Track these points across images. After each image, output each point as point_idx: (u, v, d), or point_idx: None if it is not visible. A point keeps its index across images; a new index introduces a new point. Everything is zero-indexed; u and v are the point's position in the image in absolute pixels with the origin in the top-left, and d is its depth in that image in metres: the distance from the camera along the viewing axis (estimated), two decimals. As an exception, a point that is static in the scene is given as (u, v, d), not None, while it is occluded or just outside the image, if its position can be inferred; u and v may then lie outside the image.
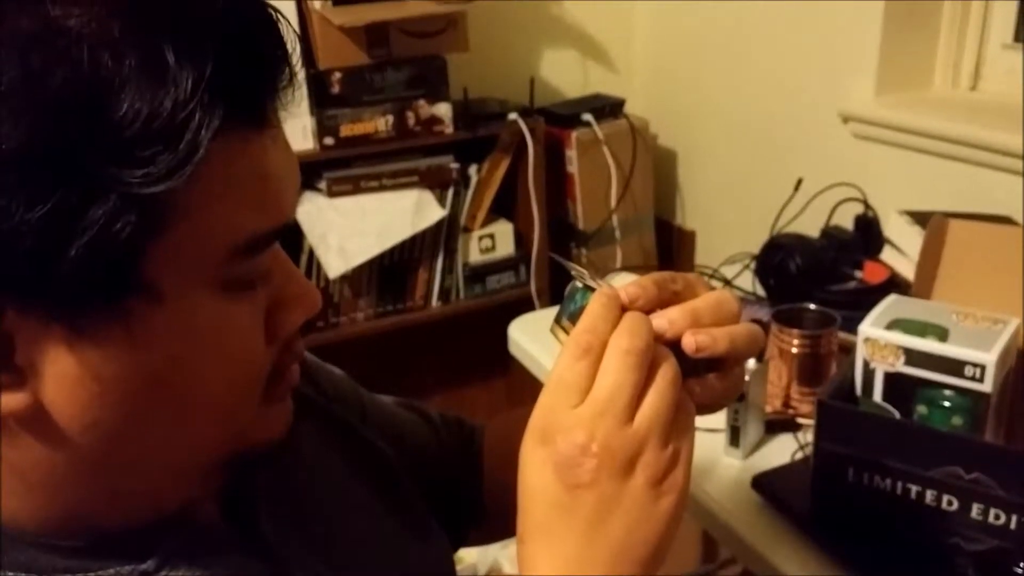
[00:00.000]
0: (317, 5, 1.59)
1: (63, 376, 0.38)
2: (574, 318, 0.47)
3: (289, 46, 0.41)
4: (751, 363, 0.96)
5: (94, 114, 0.35)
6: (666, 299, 0.47)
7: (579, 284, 0.49)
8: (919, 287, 1.00)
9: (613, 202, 1.86)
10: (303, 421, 0.57)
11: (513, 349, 1.31)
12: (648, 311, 0.46)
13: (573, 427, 0.43)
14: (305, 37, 1.59)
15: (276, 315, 0.44)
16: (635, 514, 0.43)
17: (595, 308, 0.45)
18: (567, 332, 0.47)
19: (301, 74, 0.44)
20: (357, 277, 1.72)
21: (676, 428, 0.44)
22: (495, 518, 0.71)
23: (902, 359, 0.81)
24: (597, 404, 0.43)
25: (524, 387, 1.98)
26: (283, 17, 0.41)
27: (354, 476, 0.60)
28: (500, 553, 1.74)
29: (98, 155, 0.35)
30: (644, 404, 0.44)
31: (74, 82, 0.34)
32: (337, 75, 1.62)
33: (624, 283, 0.48)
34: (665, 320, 0.46)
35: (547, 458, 0.43)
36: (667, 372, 0.44)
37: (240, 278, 0.41)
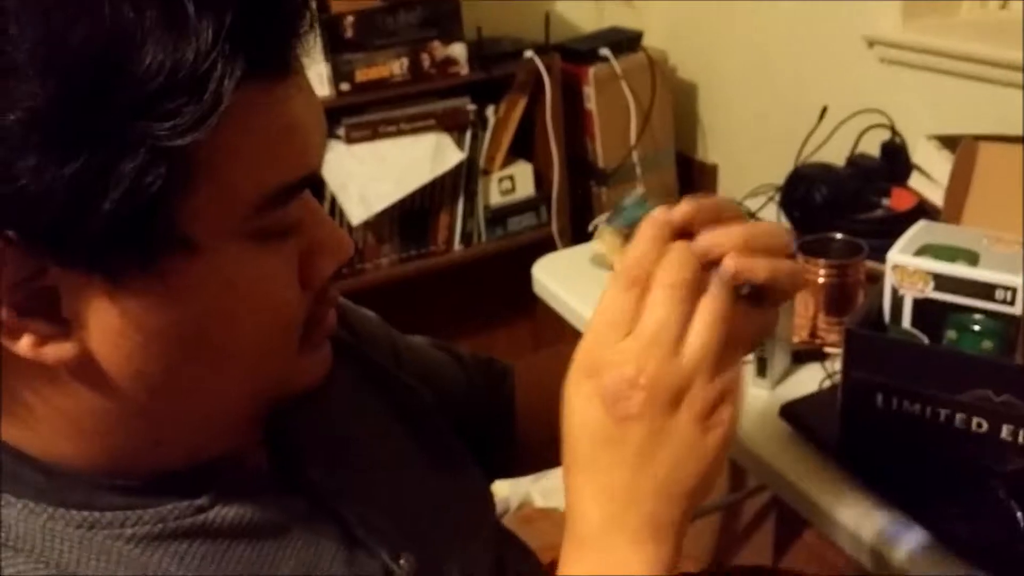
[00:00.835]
0: (326, -53, 1.56)
1: (107, 327, 0.40)
2: (628, 224, 0.46)
3: None
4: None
5: (118, 69, 0.35)
6: (718, 223, 0.46)
7: (639, 191, 0.48)
8: (948, 212, 0.99)
9: (633, 138, 1.83)
10: (339, 365, 0.59)
11: (538, 289, 1.31)
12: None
13: (621, 360, 0.43)
14: (315, -17, 1.57)
15: (309, 263, 0.45)
16: (682, 448, 0.43)
17: (643, 237, 0.44)
18: (616, 238, 0.47)
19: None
20: (379, 223, 1.72)
21: (724, 363, 0.44)
22: (529, 453, 0.73)
23: (931, 285, 0.80)
24: (644, 337, 0.42)
25: (549, 328, 1.99)
26: None
27: (391, 417, 0.61)
28: (532, 487, 1.77)
29: (124, 110, 0.35)
30: (690, 337, 0.43)
31: (96, 38, 0.35)
32: (349, 19, 1.60)
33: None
34: (710, 240, 0.45)
35: (594, 391, 0.43)
36: (714, 305, 0.44)
37: (271, 228, 0.42)
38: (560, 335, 1.96)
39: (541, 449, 0.72)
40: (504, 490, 1.75)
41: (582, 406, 0.44)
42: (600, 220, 1.37)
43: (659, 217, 0.45)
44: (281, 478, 0.51)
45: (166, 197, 0.37)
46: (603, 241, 0.51)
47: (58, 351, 0.39)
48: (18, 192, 0.35)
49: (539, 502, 1.76)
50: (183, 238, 0.38)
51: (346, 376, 0.60)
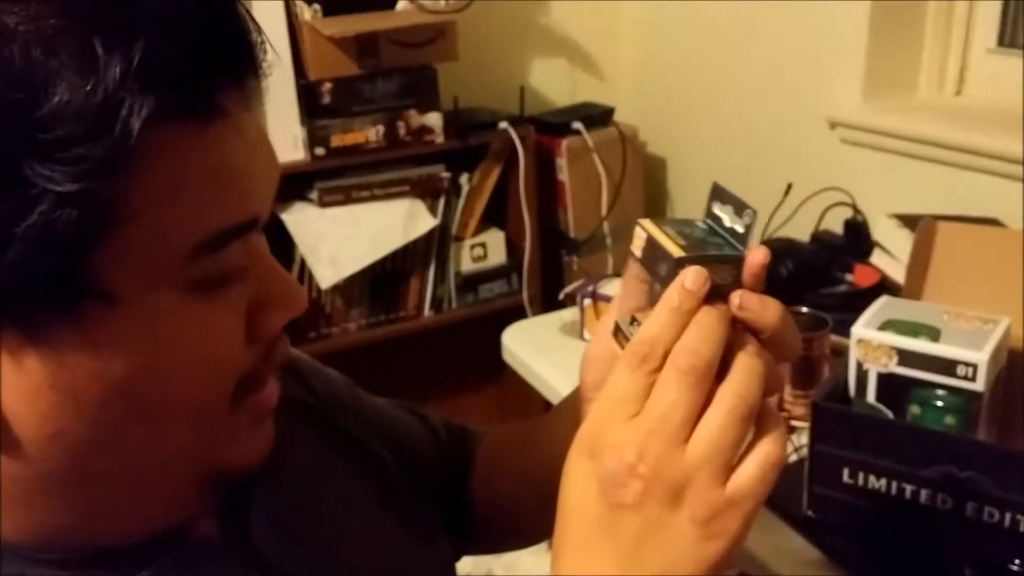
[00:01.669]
0: (307, 15, 1.59)
1: (20, 385, 0.37)
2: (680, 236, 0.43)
3: (252, 36, 0.40)
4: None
5: (25, 112, 0.34)
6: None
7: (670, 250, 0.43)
8: (909, 289, 1.01)
9: (604, 210, 1.86)
10: (300, 426, 0.57)
11: (507, 357, 1.31)
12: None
13: (622, 443, 0.40)
14: (295, 48, 1.59)
15: (257, 315, 0.42)
16: (677, 550, 0.39)
17: (659, 314, 0.41)
18: (592, 313, 0.45)
19: (290, 78, 0.44)
20: (349, 287, 1.72)
21: (748, 468, 0.40)
22: (484, 527, 0.70)
23: (895, 359, 0.82)
24: (649, 421, 0.40)
25: (517, 396, 1.98)
26: (242, 7, 0.40)
27: (355, 481, 0.59)
28: (494, 561, 1.73)
29: (31, 154, 0.34)
30: (700, 429, 0.39)
31: (4, 81, 0.34)
32: (327, 85, 1.62)
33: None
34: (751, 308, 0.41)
35: (592, 473, 0.40)
36: (734, 399, 0.40)
37: (208, 277, 0.39)
38: (527, 403, 1.96)
39: (496, 526, 0.71)
40: (466, 563, 1.71)
41: (580, 486, 0.41)
42: (571, 289, 1.38)
43: (680, 294, 0.41)
44: (233, 550, 0.48)
45: (81, 245, 0.35)
46: (636, 235, 0.48)
47: None
48: None
49: (500, 572, 1.73)
50: (103, 288, 0.36)
51: (308, 439, 0.58)
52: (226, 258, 0.40)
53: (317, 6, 1.61)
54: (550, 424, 0.63)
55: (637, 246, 0.47)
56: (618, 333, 0.46)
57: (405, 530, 0.60)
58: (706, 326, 0.41)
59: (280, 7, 1.56)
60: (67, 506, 0.41)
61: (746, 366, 0.41)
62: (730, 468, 0.40)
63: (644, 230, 0.46)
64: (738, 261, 0.43)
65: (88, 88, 0.34)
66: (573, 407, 0.59)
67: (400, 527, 0.60)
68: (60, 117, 0.34)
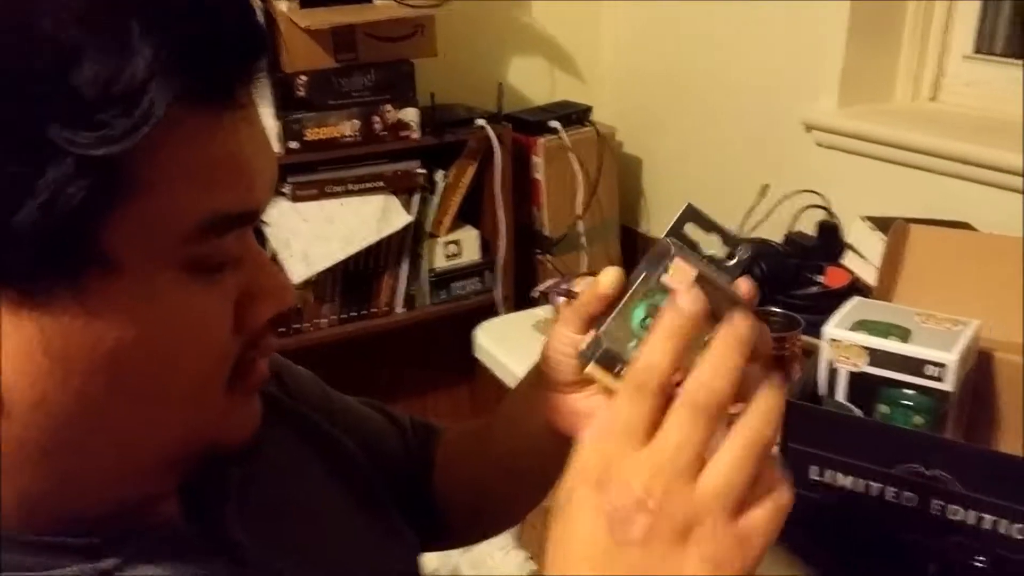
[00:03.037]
0: (283, 7, 1.57)
1: (12, 348, 0.37)
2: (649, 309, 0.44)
3: (262, 30, 0.42)
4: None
5: (54, 79, 0.35)
6: None
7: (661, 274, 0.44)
8: (881, 291, 1.01)
9: (579, 209, 1.86)
10: (273, 421, 0.56)
11: (479, 353, 1.30)
12: None
13: (631, 477, 0.39)
14: (271, 40, 1.57)
15: (246, 306, 0.43)
16: None
17: (658, 340, 0.40)
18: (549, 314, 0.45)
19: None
20: (321, 283, 1.70)
21: (760, 511, 0.39)
22: (448, 522, 0.70)
23: (866, 359, 0.82)
24: (660, 455, 0.39)
25: (488, 393, 1.97)
26: (256, 4, 0.41)
27: (325, 476, 0.59)
28: (461, 558, 1.72)
29: (55, 119, 0.35)
30: (714, 464, 0.39)
31: (36, 48, 0.35)
32: (303, 78, 1.60)
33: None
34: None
35: (600, 506, 0.39)
36: (752, 435, 0.39)
37: (205, 260, 0.40)
38: (499, 400, 1.94)
39: (459, 520, 0.71)
40: (433, 561, 1.70)
41: (586, 517, 0.39)
42: (543, 287, 1.38)
43: (674, 317, 0.41)
44: (197, 533, 0.48)
45: (92, 211, 0.36)
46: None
47: None
48: None
49: (467, 571, 1.72)
50: (108, 256, 0.37)
51: (278, 433, 0.57)
52: (224, 244, 0.41)
53: (294, -2, 1.59)
54: (504, 417, 0.64)
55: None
56: (590, 355, 0.45)
57: (373, 524, 0.60)
58: (723, 360, 0.40)
59: (256, -3, 1.54)
60: (44, 475, 0.41)
61: (767, 402, 0.40)
62: (741, 506, 0.39)
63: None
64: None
65: (121, 63, 0.35)
66: (528, 399, 0.59)
67: (369, 521, 0.60)
68: (90, 87, 0.35)
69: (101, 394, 0.39)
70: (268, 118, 1.59)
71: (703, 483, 0.38)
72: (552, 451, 0.57)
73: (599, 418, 0.41)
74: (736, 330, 0.40)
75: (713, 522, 0.38)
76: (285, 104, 1.60)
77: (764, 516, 0.39)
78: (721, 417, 0.39)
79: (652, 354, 0.40)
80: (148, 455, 0.43)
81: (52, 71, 0.35)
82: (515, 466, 0.64)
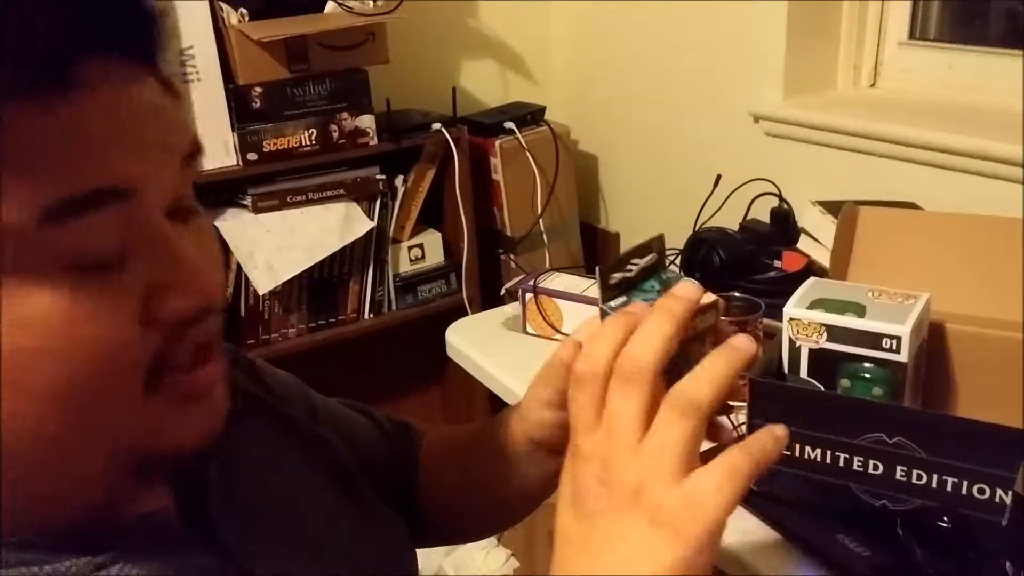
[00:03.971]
0: (234, 20, 1.57)
1: None
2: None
3: (132, 8, 0.40)
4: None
5: None
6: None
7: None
8: (835, 271, 1.05)
9: (539, 208, 1.89)
10: (251, 419, 0.58)
11: (451, 353, 1.32)
12: None
13: (588, 456, 0.43)
14: (223, 52, 1.57)
15: (152, 300, 0.41)
16: (634, 551, 0.41)
17: (591, 342, 0.46)
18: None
19: (219, 83, 0.44)
20: (287, 293, 1.70)
21: (708, 471, 0.41)
22: (428, 526, 0.72)
23: (824, 336, 0.86)
24: (605, 429, 0.43)
25: (459, 396, 1.99)
26: None
27: (311, 471, 0.60)
28: (444, 560, 1.74)
29: None
30: (652, 428, 0.42)
31: None
32: (257, 90, 1.61)
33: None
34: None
35: (571, 492, 0.43)
36: (678, 395, 0.42)
37: (76, 256, 0.38)
38: (471, 402, 1.97)
39: (441, 523, 0.73)
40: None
41: (562, 506, 0.44)
42: (511, 285, 1.40)
43: (622, 316, 0.46)
44: (189, 528, 0.49)
45: None
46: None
47: None
48: None
49: (450, 572, 1.74)
50: None
51: (262, 431, 0.59)
52: (90, 236, 0.38)
53: (243, 10, 1.59)
54: (491, 431, 0.66)
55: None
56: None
57: (362, 517, 0.61)
58: (649, 330, 0.44)
59: (206, 10, 1.54)
60: (19, 477, 0.40)
61: (705, 366, 0.44)
62: (686, 469, 0.41)
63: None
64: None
65: None
66: (512, 420, 0.63)
67: (357, 514, 0.61)
68: None
69: (10, 400, 0.39)
70: (225, 130, 1.59)
71: (644, 446, 0.41)
72: (535, 476, 0.62)
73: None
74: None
75: (655, 483, 0.41)
76: (241, 116, 1.60)
77: (714, 480, 0.41)
78: (653, 383, 0.43)
79: (587, 348, 0.45)
80: (84, 460, 0.42)
81: None
82: (498, 487, 0.66)
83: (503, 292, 1.49)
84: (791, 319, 0.87)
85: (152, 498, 0.48)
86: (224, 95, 1.58)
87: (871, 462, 0.79)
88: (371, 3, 1.69)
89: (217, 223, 1.60)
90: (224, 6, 1.57)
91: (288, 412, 0.63)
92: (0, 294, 0.37)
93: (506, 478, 0.64)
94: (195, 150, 0.44)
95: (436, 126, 1.77)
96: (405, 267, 1.83)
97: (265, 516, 0.54)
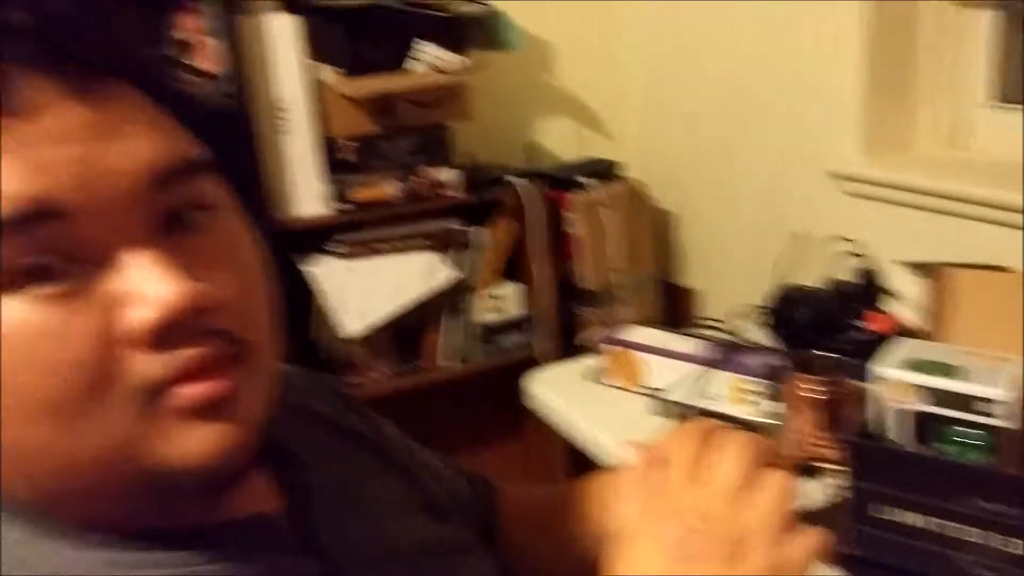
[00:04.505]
0: (329, 77, 1.66)
1: None
2: None
3: (74, 24, 0.41)
4: (769, 405, 1.00)
5: None
6: None
7: None
8: (926, 333, 1.05)
9: (616, 262, 1.91)
10: (359, 455, 0.63)
11: (530, 403, 1.34)
12: None
13: (685, 508, 0.47)
14: (317, 107, 1.65)
15: (111, 315, 0.41)
16: None
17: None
18: None
19: (313, 136, 0.47)
20: (373, 338, 1.75)
21: (792, 541, 0.46)
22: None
23: (918, 398, 0.86)
24: (707, 485, 0.48)
25: (537, 446, 1.99)
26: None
27: (406, 500, 0.63)
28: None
29: None
30: (756, 499, 0.47)
31: None
32: (348, 143, 1.68)
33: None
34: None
35: (659, 534, 0.47)
36: (783, 486, 0.48)
37: (6, 273, 0.39)
38: (548, 453, 1.97)
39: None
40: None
41: (646, 545, 0.47)
42: (592, 335, 1.42)
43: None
44: (295, 539, 0.52)
45: None
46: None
47: None
48: None
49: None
50: None
51: (367, 464, 0.63)
52: (23, 255, 0.39)
53: (337, 68, 1.67)
54: (575, 502, 0.69)
55: None
56: None
57: (457, 549, 0.63)
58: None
59: (302, 67, 1.63)
60: (45, 489, 0.43)
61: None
62: (779, 538, 0.46)
63: None
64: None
65: None
66: (596, 495, 0.67)
67: (452, 546, 0.63)
68: None
69: None
70: (317, 181, 1.66)
71: (746, 514, 0.46)
72: None
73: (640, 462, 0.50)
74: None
75: (755, 546, 0.45)
76: (333, 167, 1.67)
77: (798, 550, 0.46)
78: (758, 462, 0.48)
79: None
80: (77, 478, 0.43)
81: None
82: (586, 551, 0.68)
83: (582, 344, 1.52)
84: (883, 380, 0.87)
85: (255, 502, 0.51)
86: (316, 147, 1.66)
87: (968, 529, 0.79)
88: (454, 62, 1.76)
89: (307, 268, 1.66)
90: (318, 64, 1.65)
91: (389, 452, 0.66)
92: None
93: (594, 543, 0.66)
94: (183, 167, 0.44)
95: (513, 180, 1.82)
96: (485, 317, 1.87)
97: (364, 535, 0.56)
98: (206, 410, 0.43)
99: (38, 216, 0.39)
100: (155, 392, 0.42)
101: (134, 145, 0.42)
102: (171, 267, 0.42)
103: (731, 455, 0.47)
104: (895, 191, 1.49)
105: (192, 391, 0.42)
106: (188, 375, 0.42)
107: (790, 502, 0.46)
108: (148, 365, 0.41)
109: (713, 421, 0.52)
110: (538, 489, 0.80)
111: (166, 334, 0.41)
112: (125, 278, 0.41)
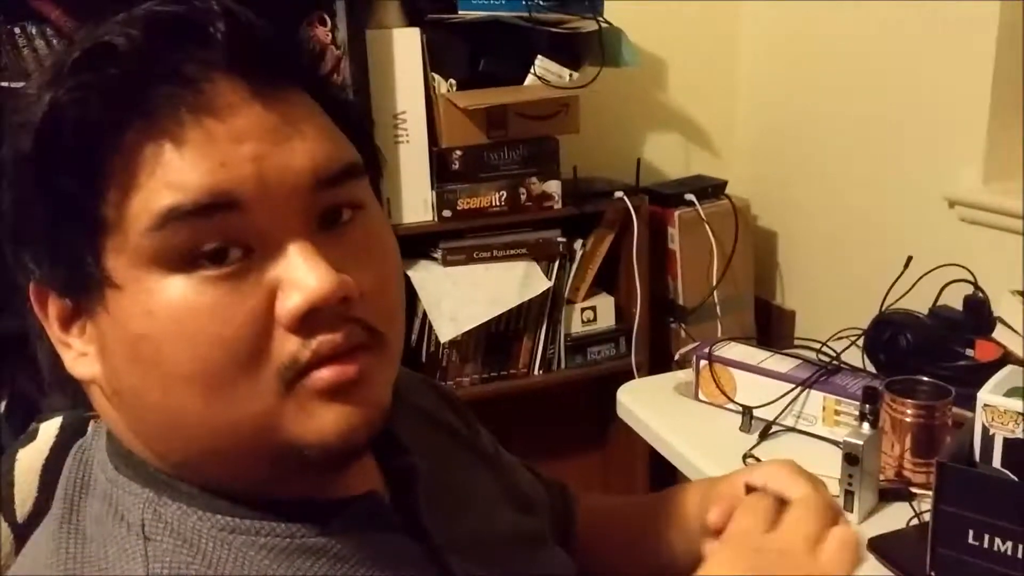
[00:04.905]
0: (443, 89, 1.72)
1: (90, 349, 0.48)
2: None
3: (255, 33, 0.46)
4: (865, 427, 0.99)
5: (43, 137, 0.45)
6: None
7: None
8: (1035, 363, 1.01)
9: (714, 280, 1.90)
10: (453, 445, 0.67)
11: (621, 413, 1.35)
12: None
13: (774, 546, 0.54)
14: (431, 118, 1.72)
15: (276, 299, 0.46)
16: None
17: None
18: None
19: (425, 146, 0.52)
20: (465, 343, 1.80)
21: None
22: None
23: (1021, 425, 0.83)
24: (786, 533, 0.55)
25: (620, 459, 2.00)
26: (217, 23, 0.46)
27: (497, 492, 0.67)
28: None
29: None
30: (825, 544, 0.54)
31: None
32: (458, 153, 1.74)
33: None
34: None
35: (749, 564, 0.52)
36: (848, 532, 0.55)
37: (187, 254, 0.44)
38: (631, 466, 1.97)
39: None
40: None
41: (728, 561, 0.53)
42: (687, 350, 1.42)
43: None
44: (403, 519, 0.55)
45: (91, 244, 0.45)
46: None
47: (84, 368, 0.48)
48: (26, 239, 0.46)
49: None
50: (110, 276, 0.45)
51: (462, 456, 0.67)
52: (199, 240, 0.44)
53: (453, 81, 1.74)
54: (663, 505, 0.72)
55: None
56: None
57: (542, 541, 0.66)
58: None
59: (420, 79, 1.69)
60: (184, 447, 0.48)
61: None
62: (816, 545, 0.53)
63: None
64: None
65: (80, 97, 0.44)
66: (690, 498, 0.70)
67: (538, 537, 0.66)
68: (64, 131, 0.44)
69: (142, 381, 0.46)
70: (425, 189, 1.72)
71: (820, 558, 0.53)
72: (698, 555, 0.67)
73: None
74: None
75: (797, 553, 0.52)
76: (440, 176, 1.73)
77: (833, 546, 0.53)
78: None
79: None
80: (219, 442, 0.47)
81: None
82: (663, 560, 0.71)
83: (676, 357, 1.52)
84: (986, 405, 0.85)
85: (364, 482, 0.54)
86: (428, 156, 1.72)
87: (1068, 562, 0.76)
88: (567, 77, 1.80)
89: (409, 272, 1.72)
90: (436, 76, 1.72)
91: (479, 443, 0.70)
92: (130, 289, 0.45)
93: (671, 553, 0.69)
94: (345, 169, 0.49)
95: (618, 194, 1.84)
96: (577, 328, 1.89)
97: (462, 521, 0.60)
98: (340, 392, 0.47)
99: (220, 206, 0.44)
100: (298, 371, 0.46)
101: (305, 147, 0.47)
102: (323, 259, 0.46)
103: (802, 515, 0.55)
104: (1012, 219, 1.43)
105: (330, 373, 0.46)
106: (328, 358, 0.46)
107: (857, 556, 0.53)
108: (294, 346, 0.45)
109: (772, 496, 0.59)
110: (616, 499, 0.82)
111: (312, 319, 0.45)
112: (284, 266, 0.46)
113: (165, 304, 0.44)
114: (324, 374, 0.46)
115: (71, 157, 0.44)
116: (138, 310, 0.45)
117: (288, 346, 0.45)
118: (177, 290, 0.44)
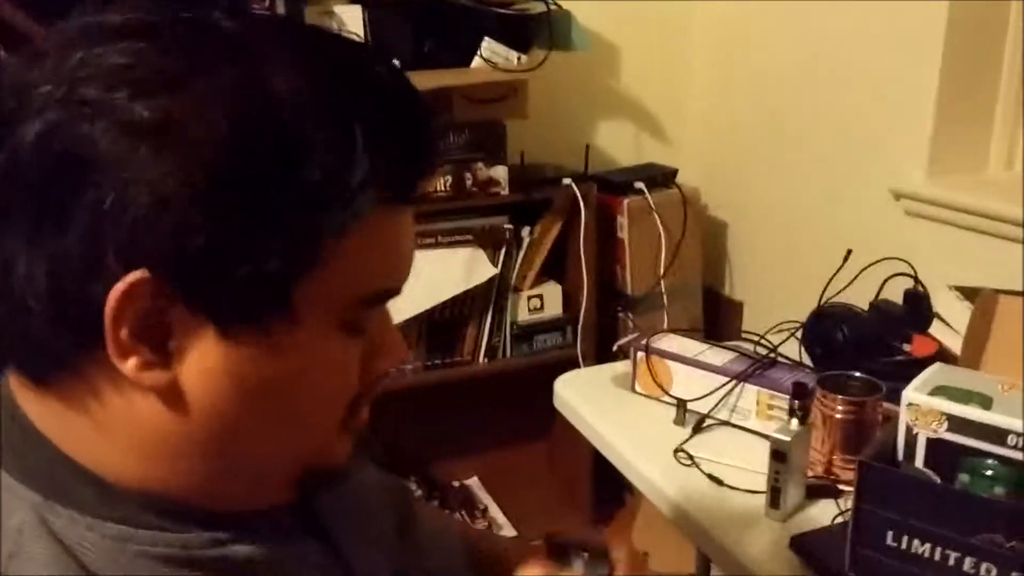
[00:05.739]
0: (386, 69, 1.67)
1: (205, 367, 0.46)
2: None
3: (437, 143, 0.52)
4: (794, 424, 0.97)
5: (289, 170, 0.43)
6: None
7: None
8: (965, 360, 1.00)
9: (662, 269, 1.88)
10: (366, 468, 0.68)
11: (558, 404, 1.33)
12: None
13: None
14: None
15: (370, 360, 0.51)
16: None
17: None
18: None
19: None
20: (407, 330, 1.76)
21: None
22: None
23: (945, 425, 0.82)
24: None
25: (566, 447, 1.98)
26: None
27: (386, 503, 0.69)
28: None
29: (283, 203, 0.43)
30: None
31: (277, 142, 0.43)
32: (401, 135, 1.69)
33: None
34: None
35: None
36: None
37: (356, 323, 0.49)
38: (577, 454, 1.96)
39: None
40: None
41: None
42: (625, 341, 1.40)
43: None
44: (300, 520, 0.56)
45: (288, 275, 0.45)
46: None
47: (155, 378, 0.46)
48: (174, 240, 0.42)
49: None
50: (294, 312, 0.46)
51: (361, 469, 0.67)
52: (373, 311, 0.50)
53: (396, 61, 1.69)
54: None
55: None
56: None
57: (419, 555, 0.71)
58: None
59: (362, 60, 1.65)
60: (205, 470, 0.49)
61: None
62: None
63: None
64: None
65: (345, 166, 0.44)
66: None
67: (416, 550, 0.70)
68: (317, 181, 0.43)
69: (259, 414, 0.48)
70: (367, 172, 1.68)
71: None
72: None
73: None
74: None
75: None
76: (383, 159, 1.69)
77: None
78: None
79: None
80: (273, 471, 0.52)
81: (289, 162, 0.43)
82: None
83: (615, 348, 1.50)
84: (910, 404, 0.83)
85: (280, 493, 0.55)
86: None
87: (984, 564, 0.74)
88: (515, 60, 1.76)
89: (350, 258, 1.68)
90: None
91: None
92: (302, 335, 0.47)
93: None
94: None
95: (566, 181, 1.81)
96: (523, 316, 1.86)
97: (362, 528, 0.62)
98: (357, 428, 0.54)
99: (400, 290, 0.51)
100: (351, 411, 0.52)
101: None
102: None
103: None
104: (960, 213, 1.42)
105: (365, 414, 0.54)
106: (367, 403, 0.53)
107: None
108: (362, 394, 0.52)
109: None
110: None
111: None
112: (377, 326, 0.52)
113: (326, 354, 0.48)
114: (364, 413, 0.53)
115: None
116: (305, 351, 0.47)
117: (353, 393, 0.51)
118: (339, 346, 0.48)
